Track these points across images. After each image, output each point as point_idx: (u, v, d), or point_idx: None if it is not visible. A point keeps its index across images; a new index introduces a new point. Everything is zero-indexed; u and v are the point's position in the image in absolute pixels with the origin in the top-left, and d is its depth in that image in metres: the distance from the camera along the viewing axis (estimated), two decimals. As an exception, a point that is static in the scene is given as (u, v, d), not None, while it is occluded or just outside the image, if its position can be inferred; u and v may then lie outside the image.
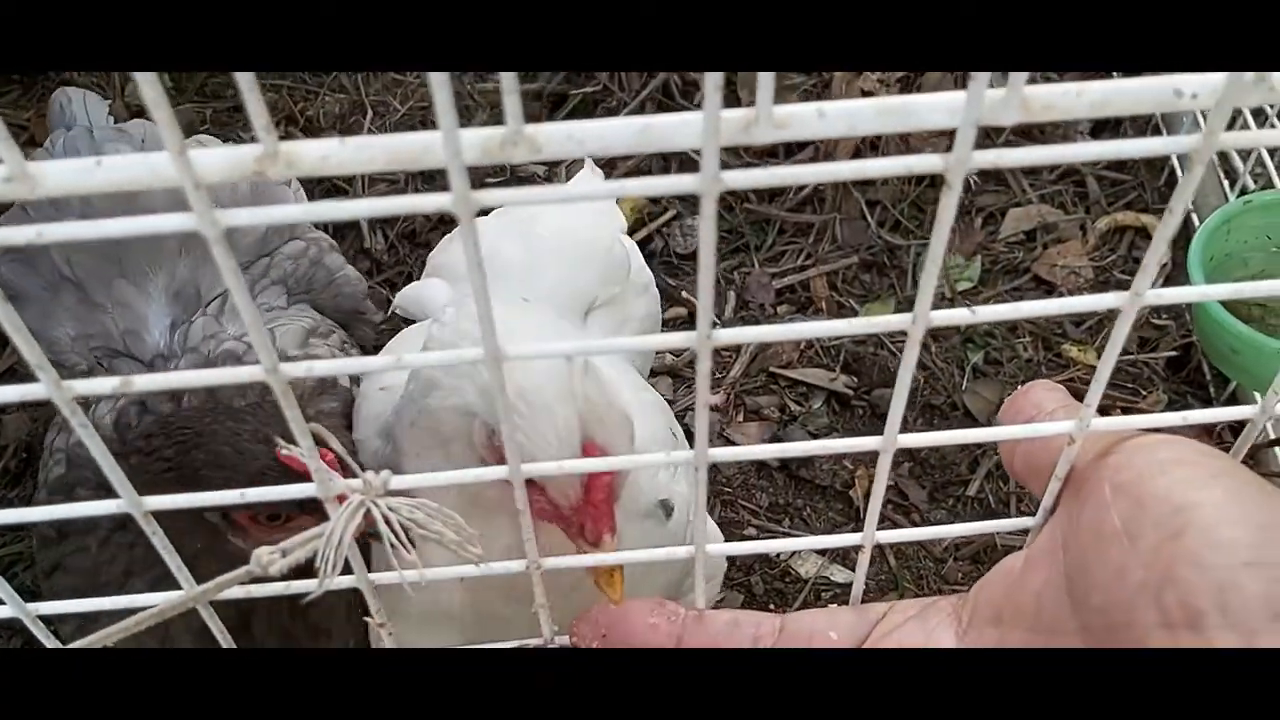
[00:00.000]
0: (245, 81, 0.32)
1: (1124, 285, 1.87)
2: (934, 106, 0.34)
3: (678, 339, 0.41)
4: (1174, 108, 0.35)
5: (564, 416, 0.68)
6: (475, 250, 0.36)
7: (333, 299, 1.21)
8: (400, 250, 1.78)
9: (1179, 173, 1.76)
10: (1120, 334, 0.41)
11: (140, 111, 1.97)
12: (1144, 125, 1.84)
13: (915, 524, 1.53)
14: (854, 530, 1.64)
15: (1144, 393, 1.55)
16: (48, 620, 0.48)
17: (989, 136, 1.72)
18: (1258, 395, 1.43)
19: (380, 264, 1.76)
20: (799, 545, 0.54)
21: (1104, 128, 1.85)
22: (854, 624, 0.50)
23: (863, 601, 0.53)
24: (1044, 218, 1.75)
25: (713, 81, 0.31)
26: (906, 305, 1.70)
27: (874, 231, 1.74)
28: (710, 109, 0.32)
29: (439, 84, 0.31)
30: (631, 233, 1.74)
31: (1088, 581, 0.39)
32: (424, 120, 1.89)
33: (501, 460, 0.69)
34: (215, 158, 0.35)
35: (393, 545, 0.45)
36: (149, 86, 0.31)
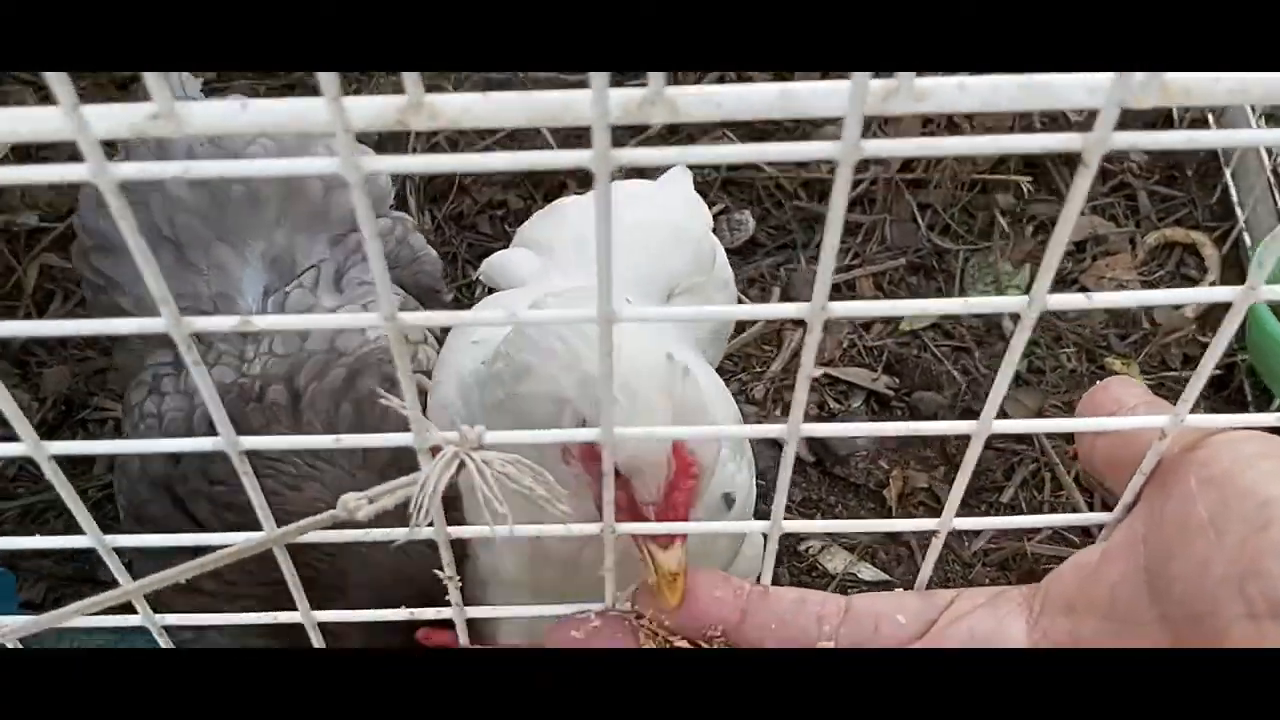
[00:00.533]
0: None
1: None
2: (1076, 85, 0.34)
3: (790, 309, 0.42)
4: (1310, 99, 0.35)
5: (662, 414, 0.68)
6: (607, 207, 0.37)
7: (413, 276, 1.23)
8: (446, 231, 1.79)
9: (1231, 190, 1.76)
10: (1230, 328, 0.42)
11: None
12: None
13: (952, 528, 1.53)
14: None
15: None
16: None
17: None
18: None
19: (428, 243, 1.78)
20: (871, 526, 0.54)
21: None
22: (921, 609, 0.50)
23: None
24: (1095, 229, 1.75)
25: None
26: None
27: (923, 234, 1.74)
28: (859, 77, 0.32)
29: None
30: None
31: (1169, 573, 0.39)
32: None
33: (586, 460, 0.69)
34: (362, 105, 0.36)
35: (485, 498, 0.46)
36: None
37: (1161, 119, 1.77)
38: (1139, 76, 0.34)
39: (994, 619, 0.48)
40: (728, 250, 1.73)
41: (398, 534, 0.48)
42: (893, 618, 0.50)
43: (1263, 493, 0.36)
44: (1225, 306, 0.41)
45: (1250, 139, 0.37)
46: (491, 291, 1.16)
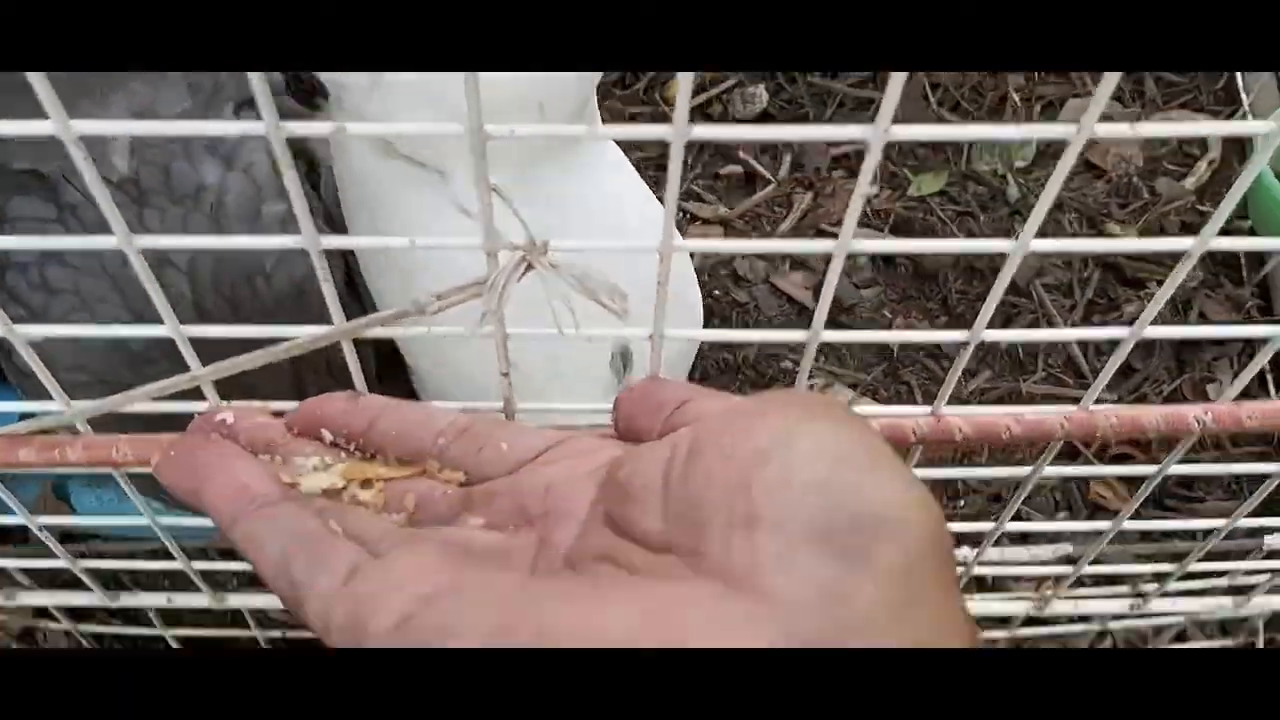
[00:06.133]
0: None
1: (1171, 174, 1.88)
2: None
3: (854, 131, 0.47)
4: None
5: None
6: (675, 194, 0.44)
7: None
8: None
9: (1238, 78, 1.79)
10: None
11: None
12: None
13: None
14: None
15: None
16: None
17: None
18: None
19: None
20: (907, 338, 0.54)
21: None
22: (534, 444, 0.43)
23: None
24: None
25: None
26: (959, 179, 1.76)
27: (934, 110, 1.78)
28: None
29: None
30: (693, 98, 1.78)
31: (688, 472, 0.39)
32: None
33: None
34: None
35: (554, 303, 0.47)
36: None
37: None
38: None
39: (570, 477, 0.42)
40: (739, 120, 1.78)
41: (461, 330, 0.50)
42: (498, 445, 0.44)
43: (763, 442, 0.40)
44: (1225, 180, 0.46)
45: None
46: None
